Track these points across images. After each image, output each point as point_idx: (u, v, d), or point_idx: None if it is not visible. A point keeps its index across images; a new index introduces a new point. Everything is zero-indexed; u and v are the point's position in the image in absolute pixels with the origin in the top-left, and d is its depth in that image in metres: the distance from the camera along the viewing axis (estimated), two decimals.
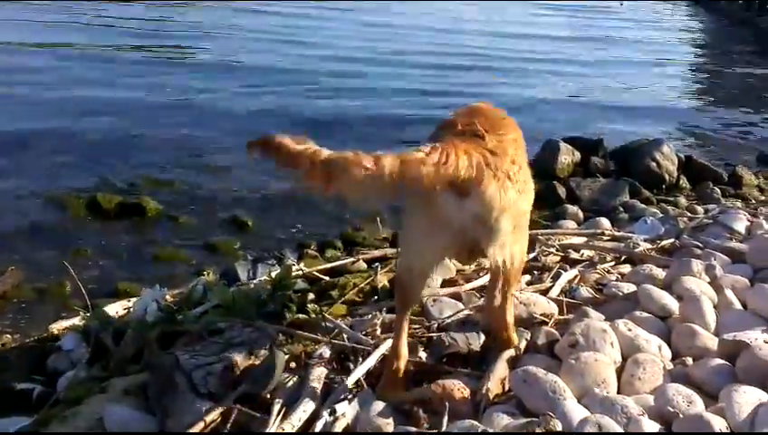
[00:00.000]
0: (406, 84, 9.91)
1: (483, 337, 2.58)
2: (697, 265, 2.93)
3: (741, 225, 3.88)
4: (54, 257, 3.88)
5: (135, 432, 2.12)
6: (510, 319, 2.45)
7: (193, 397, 2.13)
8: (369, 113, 8.12)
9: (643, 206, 5.13)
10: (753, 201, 5.15)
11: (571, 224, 4.70)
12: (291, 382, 2.35)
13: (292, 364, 2.47)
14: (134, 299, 2.99)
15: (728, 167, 6.38)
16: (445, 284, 3.29)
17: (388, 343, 2.47)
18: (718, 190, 5.68)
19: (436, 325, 2.75)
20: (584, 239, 3.90)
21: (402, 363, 2.26)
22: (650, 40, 18.70)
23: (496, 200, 1.96)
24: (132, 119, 7.06)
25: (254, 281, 3.26)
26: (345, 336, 2.57)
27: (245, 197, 5.15)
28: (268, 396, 2.26)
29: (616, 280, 3.16)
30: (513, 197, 2.01)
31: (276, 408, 2.14)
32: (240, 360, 2.35)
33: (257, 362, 2.39)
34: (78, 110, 7.18)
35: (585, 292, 3.04)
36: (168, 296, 2.94)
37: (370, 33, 14.71)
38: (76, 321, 2.95)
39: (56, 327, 2.97)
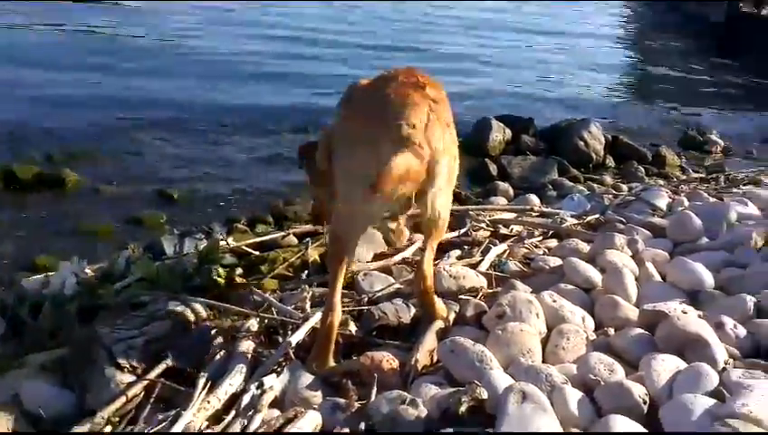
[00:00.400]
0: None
1: (413, 310, 2.59)
2: (620, 239, 3.01)
3: (662, 201, 4.01)
4: None
5: None
6: (429, 280, 2.41)
7: (113, 371, 2.06)
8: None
9: (571, 183, 5.25)
10: (675, 180, 5.33)
11: (501, 200, 4.78)
12: (217, 356, 2.30)
13: (219, 339, 2.41)
14: (52, 273, 2.86)
15: (653, 147, 6.58)
16: (376, 258, 3.29)
17: (318, 316, 2.44)
18: (642, 169, 5.87)
19: (366, 299, 2.74)
20: (514, 215, 3.96)
21: (336, 321, 2.23)
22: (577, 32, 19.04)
23: (440, 145, 2.05)
24: (53, 89, 6.75)
25: (181, 255, 3.17)
26: (274, 310, 2.53)
27: (173, 170, 5.00)
28: (193, 371, 2.20)
29: (543, 254, 3.22)
30: (449, 144, 2.13)
31: (201, 382, 2.09)
32: (164, 334, 2.29)
33: (182, 336, 2.33)
34: None
35: (513, 266, 3.08)
36: (88, 270, 2.82)
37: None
38: None
39: None
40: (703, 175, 5.57)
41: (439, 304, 2.51)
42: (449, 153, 2.15)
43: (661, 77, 12.15)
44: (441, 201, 2.21)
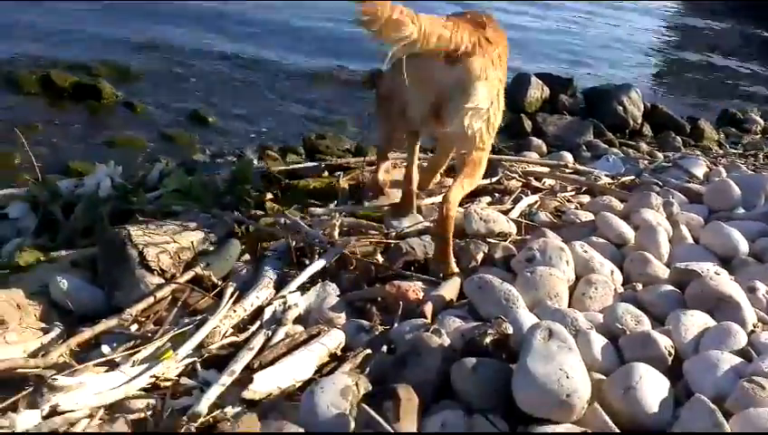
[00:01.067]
0: None
1: None
2: (656, 199, 2.96)
3: (700, 170, 3.94)
4: (3, 130, 3.68)
5: None
6: (450, 222, 2.42)
7: (143, 273, 2.09)
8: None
9: (605, 146, 5.16)
10: (713, 152, 5.22)
11: (534, 155, 4.70)
12: (245, 271, 2.32)
13: (247, 256, 2.43)
14: (86, 177, 2.88)
15: (691, 121, 6.43)
16: None
17: (348, 240, 2.46)
18: (680, 140, 5.74)
19: (394, 233, 2.74)
20: (547, 169, 3.91)
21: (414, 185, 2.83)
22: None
23: (477, 72, 2.31)
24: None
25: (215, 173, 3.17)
26: (303, 232, 2.53)
27: (210, 93, 4.97)
28: (221, 282, 2.23)
29: (575, 208, 3.19)
30: (492, 75, 2.37)
31: (229, 292, 2.12)
32: (195, 243, 2.31)
33: (212, 248, 2.35)
34: None
35: (544, 216, 3.06)
36: (121, 177, 2.84)
37: None
38: (24, 190, 2.81)
39: (2, 194, 2.81)
40: (741, 151, 5.46)
41: (452, 262, 2.45)
42: (491, 83, 2.38)
43: (709, 67, 11.83)
44: (478, 124, 2.41)
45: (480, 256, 2.50)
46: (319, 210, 3.01)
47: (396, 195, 3.05)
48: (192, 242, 2.26)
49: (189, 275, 2.17)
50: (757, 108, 7.27)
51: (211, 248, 2.34)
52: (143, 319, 2.04)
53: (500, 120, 2.55)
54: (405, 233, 2.74)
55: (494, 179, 3.54)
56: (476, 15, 2.51)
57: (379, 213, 2.94)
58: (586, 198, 3.40)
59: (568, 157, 4.46)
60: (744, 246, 2.59)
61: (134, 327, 2.01)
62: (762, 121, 6.84)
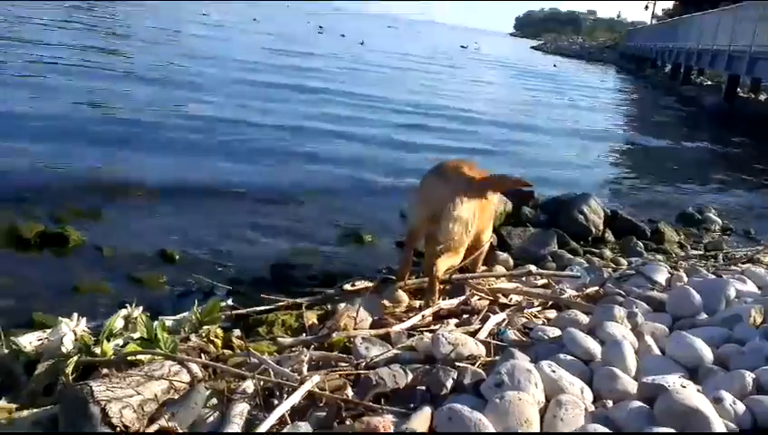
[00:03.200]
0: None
1: (410, 375, 2.58)
2: (620, 311, 3.01)
3: (662, 276, 4.02)
4: None
5: None
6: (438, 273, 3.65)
7: (107, 431, 2.03)
8: None
9: (570, 256, 5.26)
10: (674, 256, 5.35)
11: (501, 270, 4.77)
12: (211, 418, 2.28)
13: (214, 400, 2.39)
14: (49, 330, 2.85)
15: (651, 223, 6.63)
16: (375, 325, 3.29)
17: (315, 378, 2.44)
18: (641, 244, 5.89)
19: (363, 364, 2.73)
20: (514, 285, 3.97)
21: (406, 272, 3.89)
22: (579, 105, 19.49)
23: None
24: (57, 144, 6.89)
25: (179, 316, 3.16)
26: (271, 372, 2.51)
27: (175, 230, 5.02)
28: (186, 431, 2.18)
29: (542, 324, 3.22)
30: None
31: None
32: (159, 393, 2.27)
33: (177, 397, 2.31)
34: None
35: (512, 335, 3.08)
36: (86, 328, 2.81)
37: None
38: None
39: None
40: (701, 252, 5.60)
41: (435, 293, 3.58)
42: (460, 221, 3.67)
43: (659, 154, 12.37)
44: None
45: (449, 383, 2.48)
46: (287, 340, 3.02)
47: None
48: (156, 393, 2.23)
49: (154, 428, 2.12)
50: (714, 209, 7.50)
51: (176, 397, 2.30)
52: None
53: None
54: (374, 362, 2.74)
55: (461, 299, 3.59)
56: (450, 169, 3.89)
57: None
58: (553, 313, 3.45)
59: (534, 270, 4.54)
60: (708, 354, 2.62)
61: None
62: (719, 221, 7.06)
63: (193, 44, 18.19)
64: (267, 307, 3.48)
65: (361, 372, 2.63)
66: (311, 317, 3.38)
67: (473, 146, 9.99)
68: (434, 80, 20.14)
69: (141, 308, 2.96)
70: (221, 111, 9.74)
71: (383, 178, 7.62)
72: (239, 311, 3.41)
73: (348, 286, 3.85)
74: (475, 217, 3.80)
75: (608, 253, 5.57)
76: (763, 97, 23.44)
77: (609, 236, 6.18)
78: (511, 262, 5.02)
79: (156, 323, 2.77)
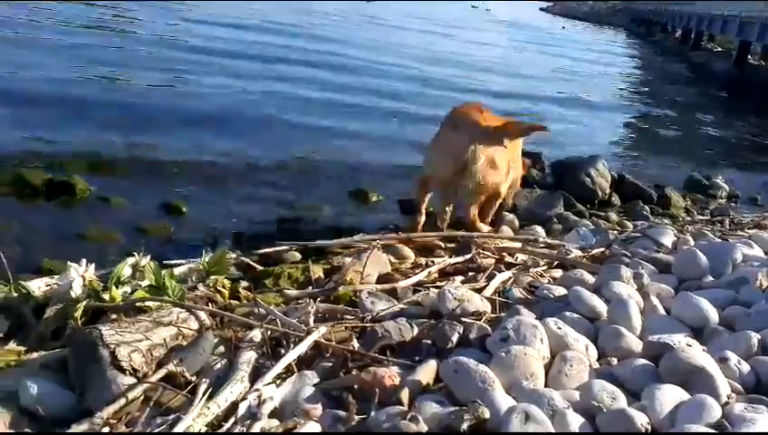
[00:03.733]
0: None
1: (415, 329, 2.59)
2: (626, 271, 3.01)
3: (668, 239, 4.02)
4: None
5: None
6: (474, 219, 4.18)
7: (116, 373, 2.05)
8: None
9: (576, 218, 5.25)
10: (681, 220, 5.33)
11: (507, 230, 4.77)
12: (219, 365, 2.30)
13: (222, 348, 2.41)
14: (58, 276, 2.86)
15: (658, 189, 6.59)
16: (381, 280, 3.30)
17: (322, 329, 2.46)
18: (648, 208, 5.87)
19: (369, 317, 2.75)
20: (519, 245, 3.97)
21: (418, 224, 4.15)
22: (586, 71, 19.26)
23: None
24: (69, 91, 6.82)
25: (187, 266, 3.17)
26: (278, 322, 2.53)
27: (183, 182, 5.01)
28: (194, 378, 2.20)
29: (548, 283, 3.23)
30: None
31: (202, 388, 2.09)
32: (168, 339, 2.29)
33: (185, 343, 2.33)
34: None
35: (518, 293, 3.09)
36: (94, 274, 2.82)
37: None
38: None
39: None
40: (708, 217, 5.58)
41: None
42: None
43: (668, 122, 12.25)
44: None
45: (455, 338, 2.50)
46: (294, 292, 3.04)
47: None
48: (164, 338, 2.24)
49: (162, 372, 2.14)
50: (720, 174, 7.47)
51: (184, 343, 2.32)
52: (114, 421, 2.00)
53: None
54: (380, 316, 2.76)
55: (467, 257, 3.59)
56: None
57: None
58: (559, 273, 3.45)
59: (540, 231, 4.55)
60: (714, 315, 2.63)
61: (105, 430, 1.96)
62: (726, 187, 7.03)
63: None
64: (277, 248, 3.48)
65: (367, 324, 2.65)
66: (317, 271, 3.39)
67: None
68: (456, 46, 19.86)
69: (149, 257, 2.96)
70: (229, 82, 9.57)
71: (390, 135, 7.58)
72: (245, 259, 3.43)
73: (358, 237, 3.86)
74: (496, 163, 4.01)
75: (614, 216, 5.56)
76: None
77: (616, 199, 6.16)
78: (517, 223, 5.01)
79: (164, 271, 2.78)
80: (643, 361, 2.27)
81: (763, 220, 4.89)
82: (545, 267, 3.54)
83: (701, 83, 20.13)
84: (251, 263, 3.46)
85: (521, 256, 3.74)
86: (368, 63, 12.84)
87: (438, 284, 3.22)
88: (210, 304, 2.71)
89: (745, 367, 2.22)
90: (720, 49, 29.61)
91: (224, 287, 2.91)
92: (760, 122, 13.08)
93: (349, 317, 2.76)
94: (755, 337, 2.36)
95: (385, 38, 18.13)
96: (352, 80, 10.79)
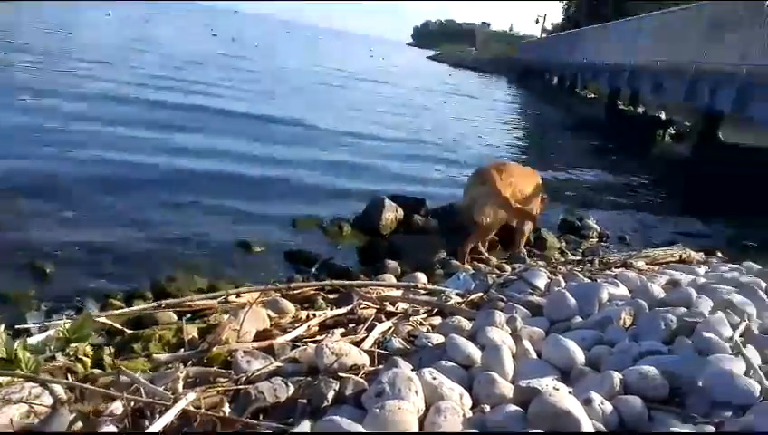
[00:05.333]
0: None
1: (291, 388, 2.52)
2: (500, 316, 3.07)
3: (542, 281, 4.16)
4: None
5: None
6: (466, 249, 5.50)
7: None
8: None
9: (457, 263, 5.35)
10: (554, 262, 5.55)
11: (391, 278, 4.80)
12: None
13: (79, 424, 2.25)
14: None
15: (534, 231, 6.84)
16: (259, 337, 3.21)
17: (190, 396, 2.34)
18: (525, 251, 6.08)
19: (244, 378, 2.65)
20: (400, 292, 3.99)
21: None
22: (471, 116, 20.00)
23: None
24: None
25: (46, 333, 2.96)
26: (142, 391, 2.39)
27: (48, 243, 4.73)
28: None
29: (427, 331, 3.24)
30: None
31: None
32: (16, 419, 2.11)
33: (36, 422, 2.16)
34: None
35: (397, 343, 3.08)
36: None
37: None
38: None
39: None
40: (580, 258, 5.85)
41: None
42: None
43: (545, 165, 12.84)
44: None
45: (331, 395, 2.44)
46: (163, 356, 2.90)
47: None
48: (11, 418, 2.07)
49: None
50: (592, 215, 7.87)
51: (36, 422, 2.14)
52: None
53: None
54: (255, 376, 2.67)
55: (347, 308, 3.56)
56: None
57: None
58: (438, 320, 3.48)
59: (422, 278, 4.61)
60: (580, 356, 2.72)
61: None
62: (597, 227, 7.41)
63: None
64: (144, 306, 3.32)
65: (240, 387, 2.55)
66: (191, 331, 3.26)
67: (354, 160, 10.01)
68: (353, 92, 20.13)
69: (3, 326, 2.74)
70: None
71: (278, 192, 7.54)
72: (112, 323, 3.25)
73: (233, 297, 3.75)
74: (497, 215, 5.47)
75: (494, 260, 5.71)
76: (641, 109, 24.90)
77: (497, 243, 6.33)
78: (400, 270, 5.06)
79: (17, 341, 2.58)
80: (514, 407, 2.29)
81: (628, 259, 5.15)
82: (425, 315, 3.56)
83: (575, 128, 21.39)
84: (119, 326, 3.28)
85: (402, 305, 3.75)
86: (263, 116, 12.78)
87: (318, 338, 3.17)
88: (69, 376, 2.53)
89: (608, 407, 2.29)
90: (593, 95, 31.67)
91: (86, 355, 2.73)
92: (629, 164, 13.96)
93: (222, 380, 2.66)
94: (617, 377, 2.45)
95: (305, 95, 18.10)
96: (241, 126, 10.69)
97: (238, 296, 3.78)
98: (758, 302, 3.55)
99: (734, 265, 5.34)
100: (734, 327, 2.98)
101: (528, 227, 6.07)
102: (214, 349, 2.95)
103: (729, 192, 11.94)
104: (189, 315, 3.54)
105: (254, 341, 3.13)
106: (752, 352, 2.72)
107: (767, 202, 11.46)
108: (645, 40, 19.43)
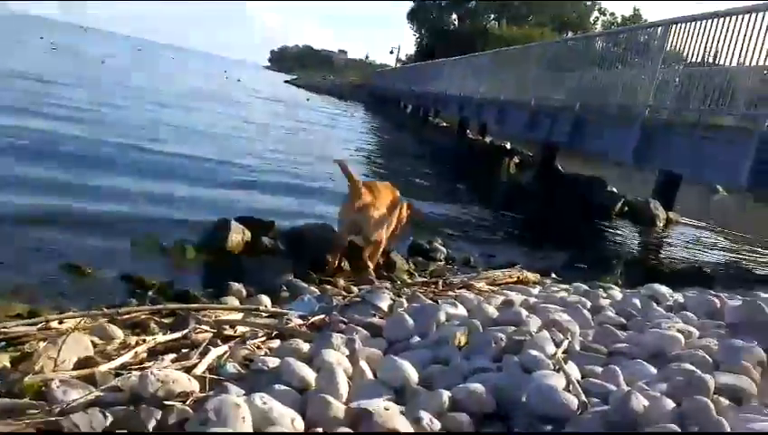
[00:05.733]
0: None
1: (110, 419, 2.35)
2: (338, 338, 3.06)
3: (385, 303, 4.20)
4: None
5: None
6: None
7: None
8: None
9: (304, 285, 5.30)
10: (401, 283, 5.64)
11: (234, 301, 4.66)
12: None
13: None
14: None
15: (384, 253, 6.92)
16: (80, 365, 2.98)
17: None
18: (373, 273, 6.13)
19: (58, 409, 2.44)
20: (240, 315, 3.87)
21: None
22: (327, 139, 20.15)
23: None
24: None
25: None
26: None
27: None
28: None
29: (265, 355, 3.16)
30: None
31: None
32: None
33: None
34: None
35: (232, 368, 2.97)
36: None
37: None
38: None
39: None
40: (426, 279, 5.98)
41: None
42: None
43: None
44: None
45: (152, 425, 2.30)
46: None
47: None
48: None
49: None
50: (440, 238, 8.11)
51: None
52: None
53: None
54: (71, 407, 2.46)
55: (181, 334, 3.40)
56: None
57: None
58: (276, 343, 3.40)
59: (265, 300, 4.51)
60: (414, 375, 2.75)
61: None
62: (444, 250, 7.63)
63: None
64: None
65: (53, 418, 2.34)
66: (2, 360, 2.96)
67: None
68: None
69: None
70: None
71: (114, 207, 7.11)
72: None
73: (55, 323, 3.46)
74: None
75: (342, 281, 5.71)
76: (488, 139, 26.25)
77: (345, 265, 6.36)
78: (244, 292, 4.92)
79: None
80: (345, 429, 2.27)
81: (470, 280, 5.33)
82: (264, 338, 3.47)
83: (428, 155, 22.12)
84: None
85: (240, 328, 3.63)
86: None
87: (146, 365, 2.99)
88: None
89: (437, 424, 2.33)
90: (446, 124, 33.04)
91: None
92: (477, 190, 14.61)
93: (33, 411, 2.43)
94: (446, 394, 2.49)
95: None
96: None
97: (61, 323, 3.50)
98: (582, 320, 3.78)
99: (564, 286, 5.69)
100: (558, 344, 3.14)
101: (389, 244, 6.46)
102: (26, 379, 2.69)
103: (564, 216, 12.85)
104: (3, 343, 3.22)
105: (73, 369, 2.90)
106: (572, 368, 2.87)
107: (593, 225, 12.46)
108: (490, 74, 20.54)
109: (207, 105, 22.92)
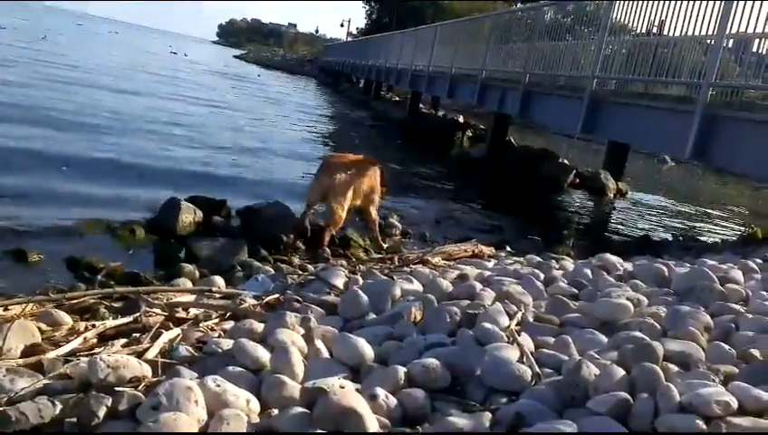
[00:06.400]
0: None
1: (59, 407, 2.30)
2: (291, 317, 3.04)
3: (340, 281, 4.19)
4: None
5: None
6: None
7: None
8: None
9: (258, 264, 5.25)
10: (356, 261, 5.63)
11: (186, 283, 4.58)
12: None
13: None
14: None
15: (341, 230, 6.89)
16: (27, 352, 2.89)
17: None
18: (329, 250, 6.10)
19: (5, 399, 2.37)
20: (193, 297, 3.81)
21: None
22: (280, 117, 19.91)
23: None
24: None
25: None
26: None
27: None
28: None
29: (218, 337, 3.12)
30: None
31: None
32: None
33: None
34: None
35: (185, 351, 2.93)
36: None
37: None
38: None
39: None
40: (381, 255, 5.98)
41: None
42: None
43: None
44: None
45: (102, 412, 2.25)
46: None
47: None
48: None
49: None
50: (395, 214, 8.11)
51: None
52: None
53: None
54: (19, 397, 2.40)
55: (131, 318, 3.33)
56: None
57: None
58: (230, 324, 3.36)
59: (219, 281, 4.45)
60: (369, 352, 2.75)
61: None
62: (400, 226, 7.64)
63: None
64: None
65: (0, 408, 2.27)
66: None
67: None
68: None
69: None
70: None
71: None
72: None
73: None
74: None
75: (297, 260, 5.67)
76: (441, 113, 26.27)
77: (300, 244, 6.31)
78: (197, 274, 4.85)
79: None
80: (300, 408, 2.26)
81: (425, 255, 5.35)
82: (217, 320, 3.43)
83: (381, 130, 22.07)
84: None
85: (193, 310, 3.58)
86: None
87: (96, 350, 2.92)
88: None
89: (393, 401, 2.33)
90: (398, 98, 32.91)
91: None
92: (430, 165, 14.63)
93: None
94: (401, 370, 2.50)
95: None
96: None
97: (6, 309, 3.39)
98: (535, 291, 3.83)
99: (518, 258, 5.76)
100: (512, 316, 3.18)
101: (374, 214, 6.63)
102: None
103: (517, 189, 12.99)
104: None
105: (20, 357, 2.83)
106: (525, 339, 2.92)
107: (545, 198, 12.65)
108: (441, 47, 20.48)
109: (152, 84, 22.35)
